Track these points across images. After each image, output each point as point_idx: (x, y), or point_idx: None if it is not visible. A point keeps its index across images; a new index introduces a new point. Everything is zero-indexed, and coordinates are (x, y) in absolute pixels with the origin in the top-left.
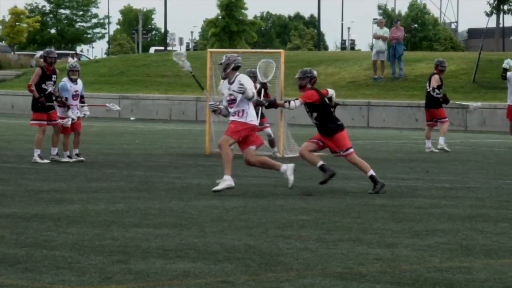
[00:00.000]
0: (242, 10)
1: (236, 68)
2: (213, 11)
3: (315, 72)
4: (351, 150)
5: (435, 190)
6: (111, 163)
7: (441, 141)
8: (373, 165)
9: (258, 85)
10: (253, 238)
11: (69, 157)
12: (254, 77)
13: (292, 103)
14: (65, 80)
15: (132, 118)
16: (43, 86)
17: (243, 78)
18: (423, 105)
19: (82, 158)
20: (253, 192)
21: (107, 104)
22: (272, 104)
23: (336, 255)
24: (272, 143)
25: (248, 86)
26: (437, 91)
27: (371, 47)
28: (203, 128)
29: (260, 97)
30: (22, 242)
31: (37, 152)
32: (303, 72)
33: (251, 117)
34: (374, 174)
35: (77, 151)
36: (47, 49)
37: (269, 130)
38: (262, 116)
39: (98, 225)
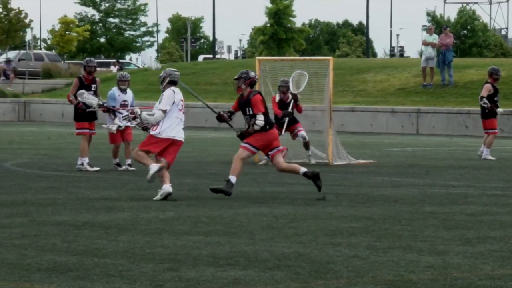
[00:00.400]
0: (290, 18)
1: (171, 83)
2: (261, 19)
3: (252, 73)
4: (245, 144)
5: (486, 197)
6: None
7: (485, 152)
8: (422, 171)
9: (290, 96)
10: (303, 245)
11: (118, 165)
12: (286, 87)
13: (258, 122)
14: (113, 89)
15: None
16: None
17: (165, 93)
18: (473, 112)
19: (133, 168)
20: (302, 199)
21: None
22: (250, 133)
23: (386, 262)
24: (306, 145)
25: (163, 100)
26: (484, 99)
27: (420, 54)
28: None
29: (289, 108)
30: (73, 250)
31: (85, 160)
32: (239, 73)
33: (165, 131)
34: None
35: (129, 161)
36: (86, 58)
37: (303, 133)
38: (295, 122)
39: (148, 233)
